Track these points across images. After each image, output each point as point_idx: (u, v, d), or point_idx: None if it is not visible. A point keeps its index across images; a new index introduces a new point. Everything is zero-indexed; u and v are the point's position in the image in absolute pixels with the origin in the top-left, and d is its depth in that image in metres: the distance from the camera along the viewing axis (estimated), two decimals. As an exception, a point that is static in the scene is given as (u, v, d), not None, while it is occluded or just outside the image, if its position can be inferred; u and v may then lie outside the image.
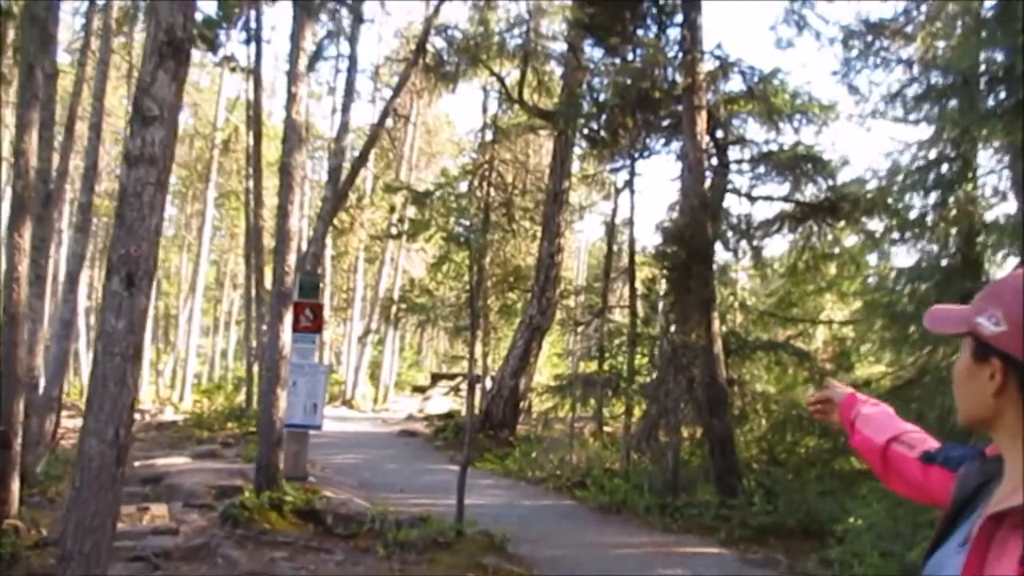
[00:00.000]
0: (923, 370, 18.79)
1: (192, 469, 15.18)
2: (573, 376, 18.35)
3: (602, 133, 16.50)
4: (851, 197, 15.80)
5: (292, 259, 10.77)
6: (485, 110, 26.27)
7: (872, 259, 19.37)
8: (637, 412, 17.20)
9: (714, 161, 15.57)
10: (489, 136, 25.87)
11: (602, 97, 16.91)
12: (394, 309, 28.23)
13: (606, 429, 20.08)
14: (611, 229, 20.22)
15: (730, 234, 14.82)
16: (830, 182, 16.16)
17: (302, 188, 11.06)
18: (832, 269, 19.58)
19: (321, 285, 14.07)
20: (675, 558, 10.85)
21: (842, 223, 16.73)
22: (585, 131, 16.97)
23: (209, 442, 22.02)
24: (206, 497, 12.45)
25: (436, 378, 38.44)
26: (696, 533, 12.23)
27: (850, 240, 18.74)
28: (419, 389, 39.46)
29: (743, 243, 15.10)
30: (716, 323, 14.25)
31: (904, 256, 19.63)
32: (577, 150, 23.95)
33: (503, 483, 16.62)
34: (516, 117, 26.90)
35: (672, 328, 14.73)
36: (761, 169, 16.25)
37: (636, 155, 17.09)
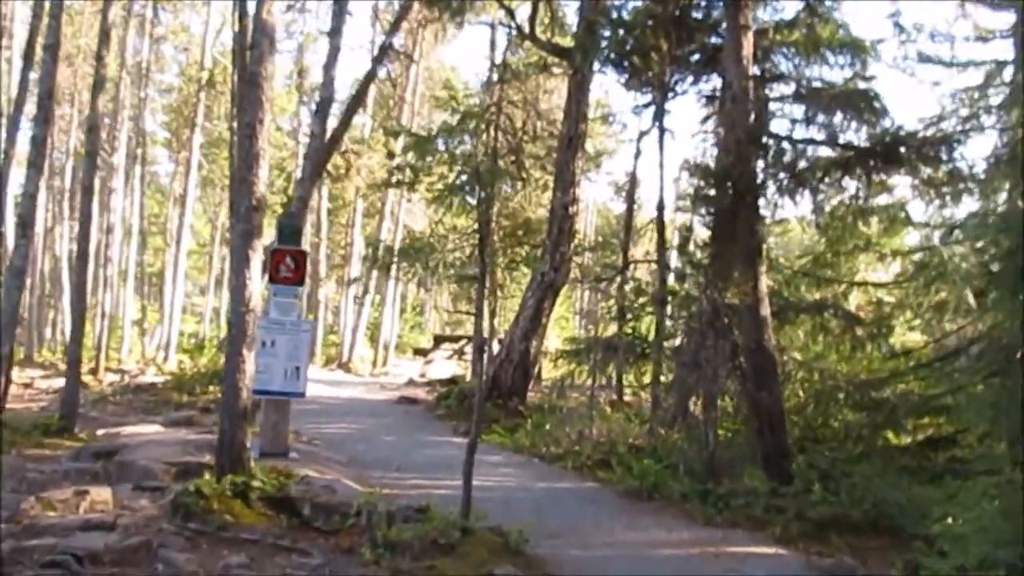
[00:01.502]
0: (971, 340, 17.14)
1: (157, 440, 13.37)
2: (593, 339, 16.45)
3: (633, 58, 14.44)
4: (913, 140, 13.91)
5: (261, 189, 8.84)
6: (493, 47, 24.30)
7: (917, 214, 17.66)
8: (664, 381, 15.44)
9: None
10: (497, 77, 23.91)
11: (627, 18, 14.87)
12: (385, 258, 26.38)
13: (626, 399, 18.27)
14: (633, 175, 18.30)
15: (782, 175, 12.82)
16: (885, 124, 14.19)
17: (271, 104, 9.07)
18: (872, 225, 17.89)
19: (306, 230, 12.13)
20: (726, 560, 9.05)
21: (898, 171, 14.87)
22: (611, 56, 14.84)
23: (188, 407, 20.32)
24: (164, 477, 10.65)
25: (439, 340, 36.75)
26: (745, 527, 10.40)
27: (899, 192, 17.00)
28: (421, 352, 37.76)
29: (799, 188, 13.08)
30: (764, 280, 12.36)
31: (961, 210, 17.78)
32: (594, 93, 22.10)
33: (514, 460, 14.85)
34: (528, 56, 24.96)
35: (710, 286, 12.81)
36: (806, 108, 14.30)
37: (670, 83, 15.08)
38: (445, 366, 31.46)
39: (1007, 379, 10.05)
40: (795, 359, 16.17)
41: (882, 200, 16.83)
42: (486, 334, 24.20)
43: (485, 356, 23.75)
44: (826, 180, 14.10)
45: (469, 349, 28.84)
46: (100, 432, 15.65)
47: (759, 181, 12.22)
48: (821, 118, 14.19)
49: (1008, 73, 17.26)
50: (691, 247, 12.98)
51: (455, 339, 35.68)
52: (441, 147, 21.49)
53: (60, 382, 27.78)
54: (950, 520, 8.11)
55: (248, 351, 8.97)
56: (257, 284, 8.92)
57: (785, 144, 13.05)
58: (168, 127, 39.32)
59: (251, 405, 9.71)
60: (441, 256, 24.62)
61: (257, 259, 8.96)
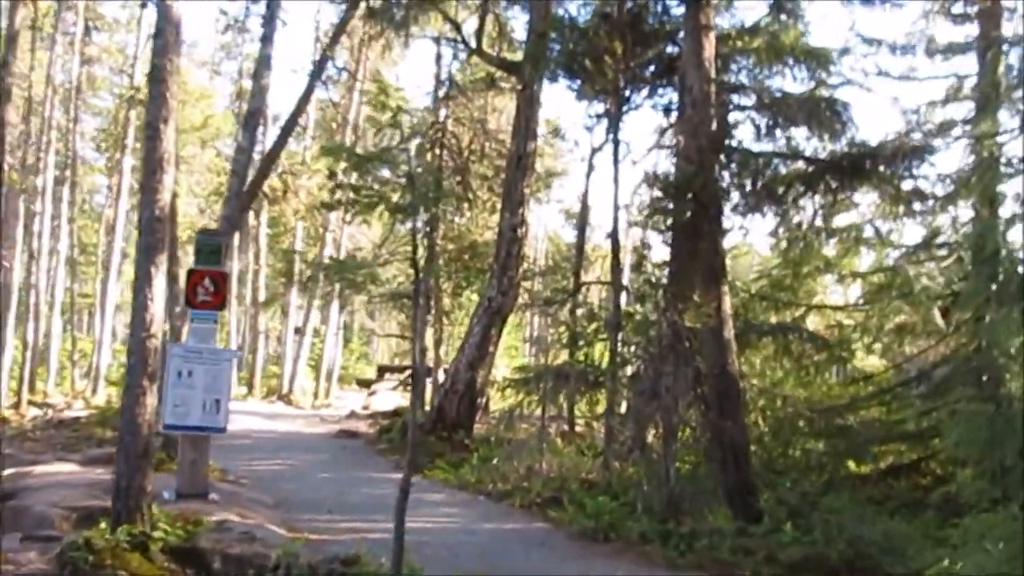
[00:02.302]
0: (935, 363, 16.52)
1: (64, 481, 12.14)
2: (543, 368, 15.50)
3: (585, 63, 13.60)
4: (883, 151, 13.26)
5: (166, 197, 7.81)
6: (439, 61, 23.43)
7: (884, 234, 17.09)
8: (619, 412, 14.57)
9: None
10: (443, 93, 23.10)
11: (580, 23, 14.08)
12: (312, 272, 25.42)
13: (578, 431, 17.36)
14: (585, 194, 17.51)
15: (747, 185, 12.00)
16: (850, 135, 13.50)
17: (176, 103, 8.06)
18: (832, 247, 17.34)
19: (248, 257, 11.07)
20: (693, 612, 8.12)
21: (865, 185, 14.23)
22: (562, 63, 14.00)
23: (112, 443, 18.96)
24: (62, 525, 9.47)
25: (383, 371, 35.66)
26: (711, 571, 9.51)
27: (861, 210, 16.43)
28: (364, 383, 36.56)
29: (764, 200, 12.29)
30: (727, 300, 11.55)
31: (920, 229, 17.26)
32: (545, 111, 21.32)
33: (458, 499, 13.84)
34: (475, 73, 24.17)
35: (669, 307, 11.97)
36: (769, 119, 13.56)
37: (625, 93, 14.28)
38: (390, 397, 30.35)
39: (989, 402, 9.38)
40: (754, 385, 15.44)
41: (843, 220, 16.31)
42: (430, 362, 23.52)
43: (428, 384, 22.93)
44: (791, 193, 13.38)
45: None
46: (7, 472, 14.35)
47: (723, 192, 11.39)
48: (784, 130, 13.50)
49: (969, 86, 16.77)
50: (648, 266, 12.10)
51: (400, 369, 34.64)
52: (384, 170, 20.71)
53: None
54: (947, 563, 7.29)
55: (150, 382, 7.90)
56: (160, 305, 7.87)
57: (749, 156, 12.26)
58: (99, 149, 37.94)
59: (154, 443, 8.63)
60: (369, 272, 23.82)
61: (161, 277, 7.92)
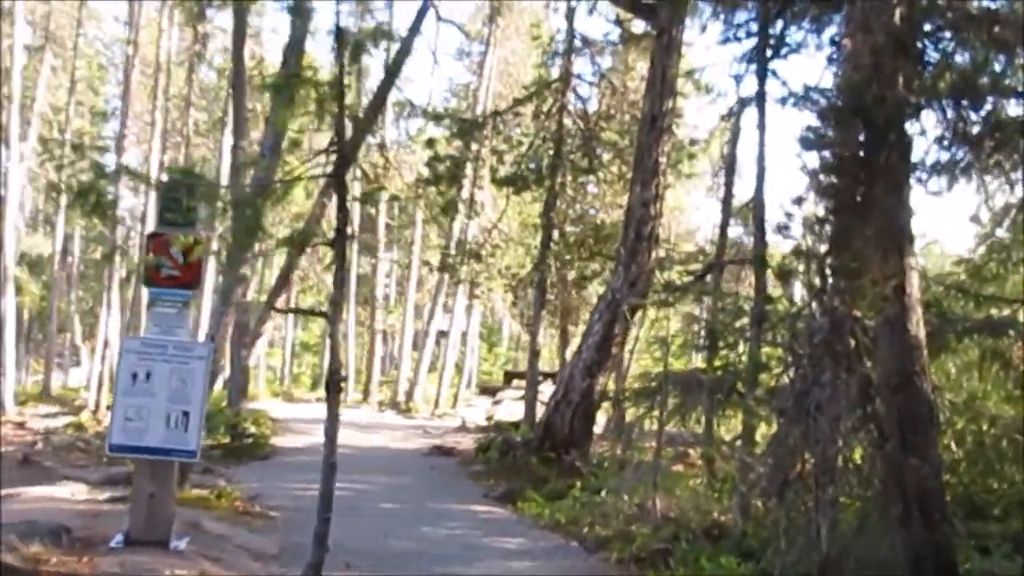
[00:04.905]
0: None
1: (29, 511, 9.67)
2: (663, 375, 12.25)
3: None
4: None
5: None
6: (571, 17, 20.59)
7: None
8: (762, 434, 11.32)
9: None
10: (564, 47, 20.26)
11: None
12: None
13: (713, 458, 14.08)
14: (732, 152, 14.22)
15: (948, 107, 8.41)
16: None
17: None
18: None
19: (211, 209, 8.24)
20: None
21: None
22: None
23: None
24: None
25: (510, 377, 32.91)
26: None
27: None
28: (489, 391, 33.90)
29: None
30: (915, 279, 8.09)
31: None
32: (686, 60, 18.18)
33: (541, 546, 10.90)
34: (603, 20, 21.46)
35: (827, 289, 8.60)
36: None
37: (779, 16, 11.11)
38: (515, 407, 27.56)
39: None
40: (950, 402, 11.89)
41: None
42: (547, 366, 20.80)
43: (545, 391, 20.14)
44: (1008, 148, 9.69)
45: (547, 387, 25.01)
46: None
47: (909, 108, 7.88)
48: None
49: None
50: (796, 226, 8.69)
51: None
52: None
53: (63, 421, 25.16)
54: None
55: None
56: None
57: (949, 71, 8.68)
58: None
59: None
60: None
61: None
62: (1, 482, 13.54)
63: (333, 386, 6.77)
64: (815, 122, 8.23)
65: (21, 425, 24.16)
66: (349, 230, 6.82)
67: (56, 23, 34.58)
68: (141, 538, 8.20)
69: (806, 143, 8.00)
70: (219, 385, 19.44)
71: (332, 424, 6.92)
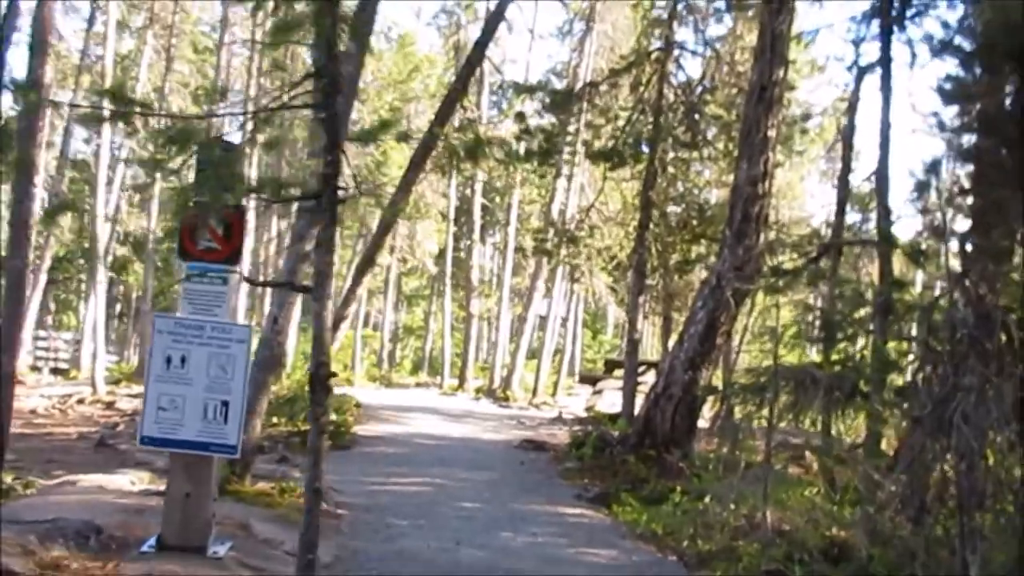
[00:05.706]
0: None
1: (68, 503, 8.96)
2: (773, 369, 11.03)
3: None
4: None
5: None
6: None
7: None
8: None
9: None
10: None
11: None
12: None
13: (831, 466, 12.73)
14: (851, 123, 12.87)
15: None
16: None
17: None
18: None
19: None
20: None
21: None
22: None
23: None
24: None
25: (611, 366, 31.66)
26: None
27: None
28: (590, 380, 32.81)
29: None
30: (1080, 260, 6.77)
31: None
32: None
33: (634, 559, 9.82)
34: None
35: (971, 273, 7.32)
36: None
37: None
38: (616, 398, 26.40)
39: None
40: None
41: None
42: (648, 354, 19.65)
43: (646, 383, 19.01)
44: None
45: (648, 378, 23.86)
46: (52, 482, 11.56)
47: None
48: None
49: None
50: (933, 197, 7.40)
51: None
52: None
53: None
54: None
55: None
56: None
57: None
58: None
59: None
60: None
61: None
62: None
63: (317, 383, 5.41)
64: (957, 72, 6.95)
65: (110, 405, 23.95)
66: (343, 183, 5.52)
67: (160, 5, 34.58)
68: (175, 542, 7.40)
69: (946, 95, 6.73)
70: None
71: (316, 438, 5.54)
